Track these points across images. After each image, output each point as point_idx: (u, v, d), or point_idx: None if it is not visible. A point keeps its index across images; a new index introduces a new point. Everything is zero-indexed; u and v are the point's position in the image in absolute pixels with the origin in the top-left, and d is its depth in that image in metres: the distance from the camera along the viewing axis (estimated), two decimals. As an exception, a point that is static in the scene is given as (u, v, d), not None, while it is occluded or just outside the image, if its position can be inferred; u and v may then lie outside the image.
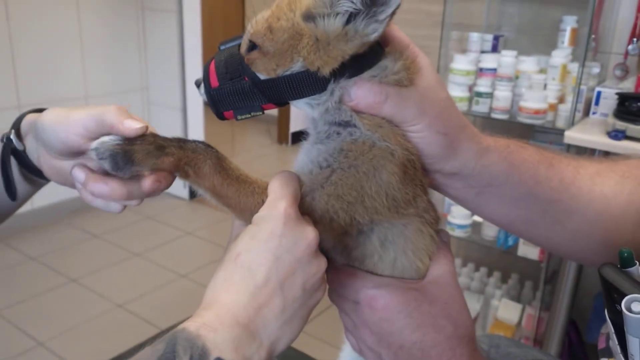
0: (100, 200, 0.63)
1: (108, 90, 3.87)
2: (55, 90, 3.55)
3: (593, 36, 2.11)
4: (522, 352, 0.94)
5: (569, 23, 2.24)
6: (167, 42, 3.90)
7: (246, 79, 0.61)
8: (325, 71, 0.58)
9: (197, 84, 0.65)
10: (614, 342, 0.56)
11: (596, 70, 2.24)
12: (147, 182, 0.60)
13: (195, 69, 3.98)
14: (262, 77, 0.60)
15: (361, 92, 0.60)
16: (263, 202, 0.60)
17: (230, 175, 0.61)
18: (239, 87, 0.62)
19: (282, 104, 0.64)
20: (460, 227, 2.40)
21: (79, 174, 0.62)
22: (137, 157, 0.58)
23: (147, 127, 0.61)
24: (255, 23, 0.61)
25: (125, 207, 0.65)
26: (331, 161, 0.61)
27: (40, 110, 0.72)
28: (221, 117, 0.65)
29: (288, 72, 0.59)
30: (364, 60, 0.60)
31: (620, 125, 1.86)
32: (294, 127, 5.54)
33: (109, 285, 2.96)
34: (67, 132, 0.64)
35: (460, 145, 0.65)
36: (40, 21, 3.41)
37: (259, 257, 0.57)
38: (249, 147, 5.56)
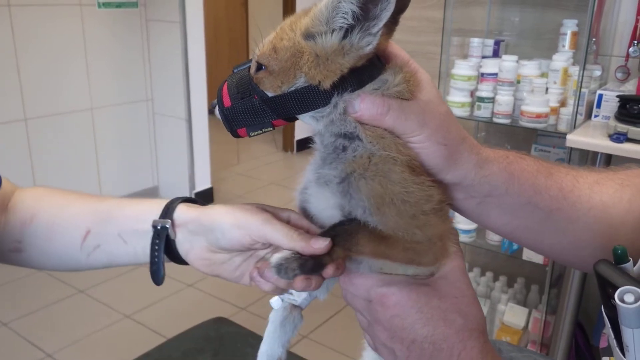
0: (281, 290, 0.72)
1: (113, 101, 3.91)
2: (60, 103, 3.58)
3: (594, 39, 2.11)
4: (525, 357, 0.94)
5: (570, 27, 2.24)
6: (171, 53, 3.94)
7: (256, 97, 0.65)
8: (326, 84, 0.62)
9: (213, 106, 0.69)
10: (611, 337, 0.57)
11: (597, 73, 2.24)
12: (330, 270, 0.65)
13: (199, 80, 4.01)
14: (270, 94, 0.64)
15: (364, 105, 0.62)
16: (410, 246, 0.64)
17: (379, 236, 0.64)
18: (249, 105, 0.66)
19: (291, 119, 0.67)
20: (465, 232, 2.41)
21: (271, 274, 0.68)
22: (326, 260, 0.64)
23: (329, 239, 0.65)
24: (262, 45, 0.65)
25: None
26: (346, 204, 0.64)
27: (189, 200, 0.80)
28: (235, 134, 0.69)
29: (292, 88, 0.63)
30: (364, 74, 0.63)
31: (622, 127, 1.85)
32: (298, 134, 5.57)
33: (117, 295, 2.98)
34: (252, 239, 0.70)
35: (460, 156, 0.66)
36: (45, 33, 3.45)
37: None
38: (255, 155, 5.58)
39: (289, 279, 0.64)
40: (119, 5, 3.80)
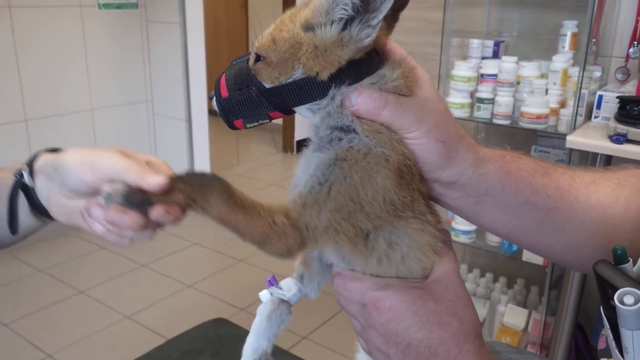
0: (115, 232, 0.65)
1: (113, 102, 3.90)
2: (61, 103, 3.58)
3: (594, 40, 2.11)
4: (524, 359, 0.94)
5: (569, 28, 2.24)
6: (171, 54, 3.94)
7: (253, 88, 0.65)
8: (324, 76, 0.62)
9: (211, 97, 0.69)
10: (610, 338, 0.57)
11: (597, 74, 2.23)
12: (157, 211, 0.61)
13: (199, 80, 4.01)
14: (268, 85, 0.64)
15: (362, 98, 0.62)
16: (270, 224, 0.61)
17: (237, 203, 0.62)
18: (246, 96, 0.66)
19: (288, 111, 0.67)
20: (465, 233, 2.41)
21: (98, 210, 0.64)
22: (156, 199, 0.61)
23: (168, 178, 0.61)
24: (262, 37, 0.66)
25: (133, 242, 0.68)
26: (328, 175, 0.63)
27: (55, 150, 0.76)
28: (232, 126, 0.69)
29: (290, 79, 0.63)
30: (363, 67, 0.63)
31: (622, 129, 1.85)
32: (298, 135, 5.57)
33: (117, 296, 2.98)
34: (94, 175, 0.67)
35: (457, 154, 0.66)
36: (45, 34, 3.45)
37: None
38: (255, 156, 5.58)
39: (106, 206, 0.60)
40: (119, 7, 3.80)
